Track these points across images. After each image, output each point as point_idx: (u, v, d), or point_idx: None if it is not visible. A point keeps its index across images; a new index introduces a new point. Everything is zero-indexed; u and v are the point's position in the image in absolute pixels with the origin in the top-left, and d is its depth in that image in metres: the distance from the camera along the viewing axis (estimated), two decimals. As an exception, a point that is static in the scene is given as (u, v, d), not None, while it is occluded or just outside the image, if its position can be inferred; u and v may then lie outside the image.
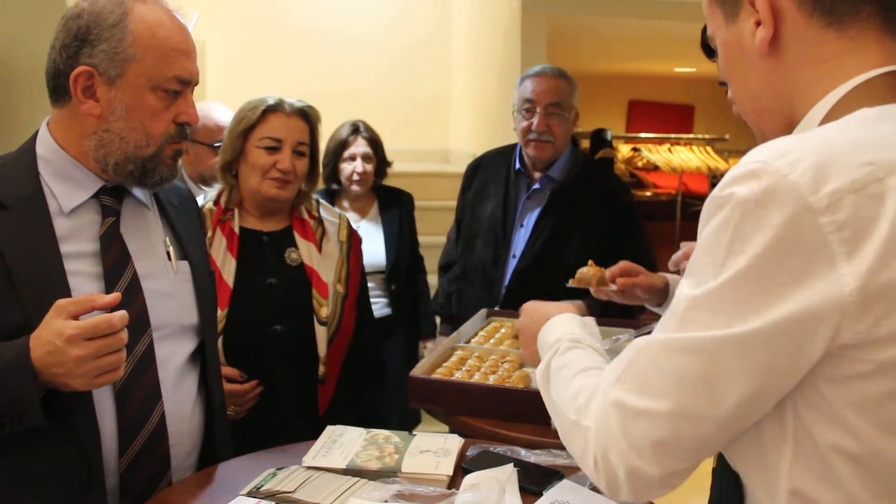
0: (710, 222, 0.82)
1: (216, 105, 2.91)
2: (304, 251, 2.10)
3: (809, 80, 0.89)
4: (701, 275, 0.82)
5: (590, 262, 1.92)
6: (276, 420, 2.00)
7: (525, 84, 2.59)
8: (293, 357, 2.04)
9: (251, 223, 2.12)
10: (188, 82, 1.43)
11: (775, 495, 0.84)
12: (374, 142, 3.21)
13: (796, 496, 0.82)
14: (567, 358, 1.11)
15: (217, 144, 2.51)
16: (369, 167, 3.16)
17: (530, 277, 2.51)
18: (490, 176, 2.73)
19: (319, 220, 2.17)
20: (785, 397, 0.81)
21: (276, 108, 2.07)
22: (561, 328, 1.24)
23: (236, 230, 2.08)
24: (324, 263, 2.11)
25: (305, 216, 2.15)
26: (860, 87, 0.86)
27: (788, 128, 0.93)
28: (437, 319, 3.20)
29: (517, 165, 2.66)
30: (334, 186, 3.26)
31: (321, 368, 2.05)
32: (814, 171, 0.76)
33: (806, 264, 0.75)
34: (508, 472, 1.43)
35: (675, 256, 1.81)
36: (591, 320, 1.31)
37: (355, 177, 3.14)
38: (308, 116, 2.12)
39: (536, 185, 2.61)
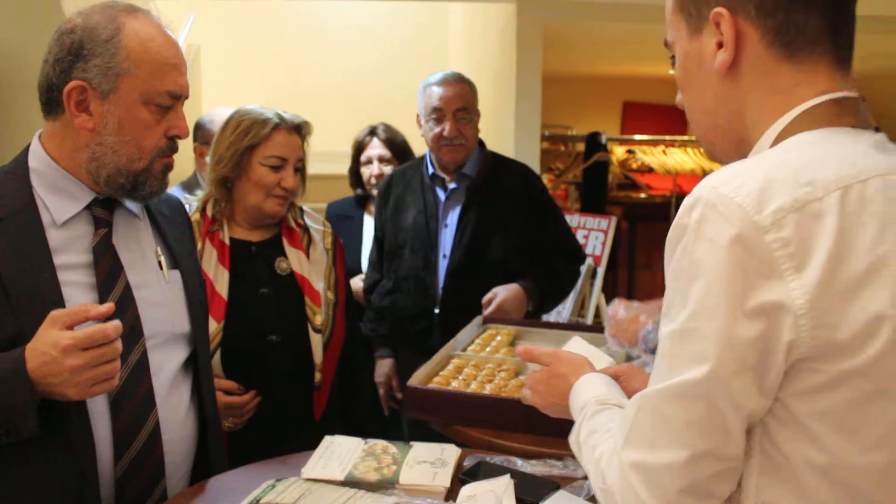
0: (674, 254, 0.87)
1: (230, 111, 2.94)
2: (294, 259, 2.10)
3: (762, 107, 0.95)
4: (674, 308, 0.87)
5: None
6: (275, 429, 2.01)
7: (430, 91, 2.65)
8: (289, 366, 2.05)
9: (239, 234, 2.11)
10: (179, 96, 1.45)
11: None
12: (393, 142, 3.17)
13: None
14: (594, 423, 1.11)
15: None
16: (388, 169, 3.12)
17: (464, 273, 2.59)
18: (405, 188, 2.78)
19: (305, 228, 2.18)
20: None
21: (280, 126, 2.06)
22: (587, 392, 1.25)
23: (226, 241, 2.07)
24: (313, 271, 2.12)
25: (292, 224, 2.16)
26: (804, 114, 0.92)
27: (737, 144, 0.99)
28: None
29: (430, 171, 2.73)
30: (360, 192, 3.24)
31: (317, 375, 2.06)
32: (757, 193, 0.81)
33: (758, 279, 0.80)
34: (505, 483, 1.44)
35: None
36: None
37: (373, 180, 3.12)
38: (302, 131, 2.12)
39: (453, 185, 2.68)
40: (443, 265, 2.64)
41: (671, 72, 1.07)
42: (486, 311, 2.46)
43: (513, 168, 2.80)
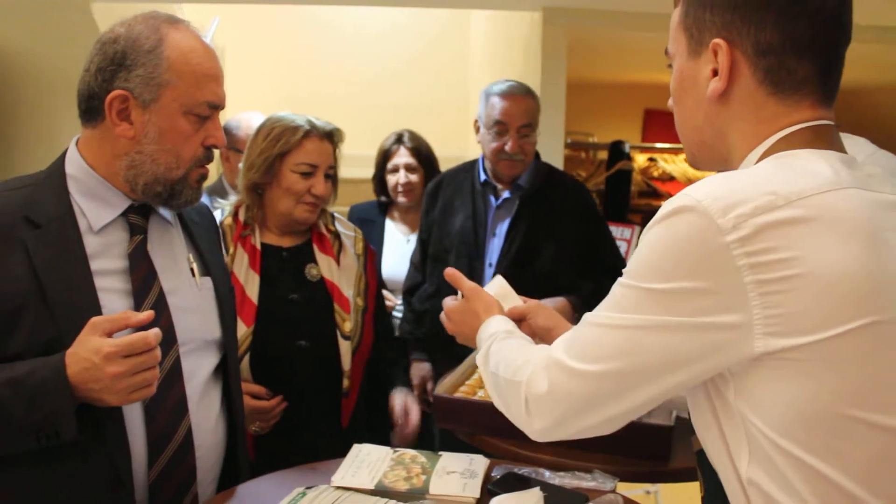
0: (645, 236, 0.98)
1: (256, 115, 2.97)
2: (324, 266, 2.11)
3: (745, 133, 1.02)
4: (634, 274, 0.98)
5: None
6: (302, 435, 2.02)
7: (493, 102, 2.59)
8: (317, 372, 2.05)
9: (271, 239, 2.12)
10: (217, 107, 1.47)
11: (737, 485, 0.96)
12: (419, 151, 3.14)
13: (752, 485, 0.94)
14: (507, 343, 1.29)
15: None
16: (413, 177, 3.11)
17: (510, 284, 2.52)
18: (454, 192, 2.74)
19: (336, 234, 2.18)
20: (734, 401, 0.94)
21: (311, 133, 2.06)
22: (496, 325, 1.41)
23: (258, 246, 2.08)
24: (343, 277, 2.12)
25: (323, 230, 2.16)
26: (782, 139, 0.99)
27: (720, 161, 1.08)
28: None
29: (482, 177, 2.68)
30: (383, 199, 3.23)
31: (345, 382, 2.06)
32: (724, 200, 0.90)
33: (715, 276, 0.89)
34: (536, 495, 1.45)
35: None
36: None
37: (399, 188, 3.10)
38: (334, 138, 2.12)
39: (506, 195, 2.64)
40: (488, 273, 2.60)
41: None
42: None
43: (567, 183, 2.75)
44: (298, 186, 2.05)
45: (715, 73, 1.02)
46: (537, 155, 2.73)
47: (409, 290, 2.85)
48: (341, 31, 6.32)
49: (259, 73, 5.87)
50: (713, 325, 0.91)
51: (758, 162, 0.99)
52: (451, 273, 1.61)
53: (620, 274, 1.02)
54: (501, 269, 2.56)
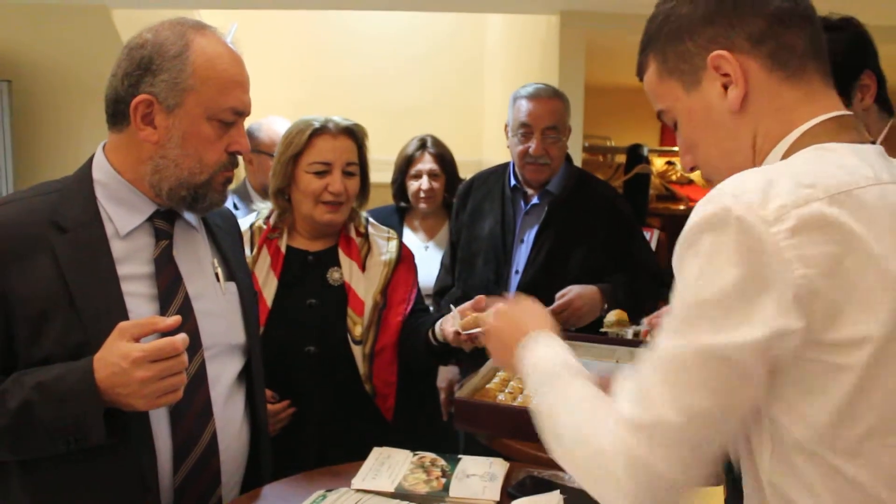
0: (691, 253, 0.91)
1: (279, 119, 2.98)
2: (346, 269, 2.08)
3: (769, 126, 1.01)
4: (689, 297, 0.90)
5: (616, 312, 1.89)
6: (309, 441, 2.00)
7: (520, 105, 2.56)
8: (329, 378, 2.03)
9: (300, 243, 2.12)
10: (242, 113, 1.47)
11: (760, 485, 0.94)
12: (443, 157, 3.12)
13: (772, 486, 0.92)
14: (573, 389, 1.07)
15: None
16: (436, 184, 3.08)
17: (535, 292, 2.41)
18: (484, 195, 2.72)
19: (366, 237, 2.15)
20: (764, 403, 0.90)
21: (322, 131, 2.05)
22: (546, 354, 1.17)
23: (283, 249, 2.08)
24: (364, 280, 2.09)
25: (353, 234, 2.14)
26: (807, 132, 0.98)
27: None
28: None
29: (512, 182, 2.66)
30: (402, 204, 3.20)
31: (367, 386, 2.03)
32: (761, 192, 0.87)
33: (770, 269, 0.85)
34: (556, 498, 1.45)
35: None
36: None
37: (421, 194, 3.08)
38: (355, 134, 2.10)
39: (535, 200, 2.61)
40: (514, 280, 2.58)
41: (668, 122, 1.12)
42: (556, 304, 2.38)
43: (599, 190, 2.70)
44: (314, 186, 2.03)
45: (724, 87, 1.02)
46: (569, 159, 2.69)
47: (440, 293, 2.84)
48: (357, 35, 6.33)
49: (274, 78, 5.90)
50: (778, 333, 0.85)
51: (784, 157, 0.98)
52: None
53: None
54: (528, 277, 2.54)
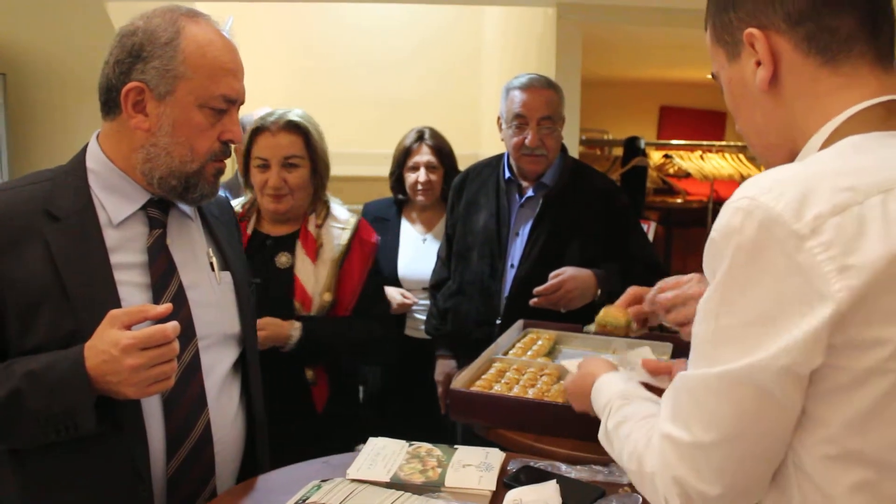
0: (720, 266, 0.88)
1: (265, 110, 2.97)
2: (299, 258, 2.20)
3: (807, 114, 0.96)
4: (717, 313, 0.88)
5: (605, 308, 1.87)
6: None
7: (513, 96, 2.53)
8: (275, 357, 2.08)
9: (266, 228, 2.28)
10: (234, 101, 1.46)
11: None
12: (440, 150, 3.11)
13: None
14: (620, 414, 1.17)
15: None
16: (434, 177, 3.07)
17: (530, 286, 2.44)
18: (479, 188, 2.69)
19: (324, 230, 2.26)
20: None
21: (260, 130, 2.22)
22: (609, 389, 1.31)
23: (248, 231, 2.23)
24: (313, 274, 2.18)
25: (311, 225, 2.25)
26: (852, 118, 0.92)
27: (792, 158, 0.99)
28: None
29: (506, 174, 2.63)
30: (400, 197, 3.19)
31: (309, 373, 2.15)
32: (796, 201, 0.82)
33: (805, 286, 0.81)
34: (552, 489, 1.44)
35: (650, 294, 1.79)
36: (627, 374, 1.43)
37: (419, 187, 3.06)
38: (299, 127, 2.21)
39: (530, 193, 2.58)
40: (510, 274, 2.56)
41: (708, 75, 1.09)
42: (548, 283, 2.37)
43: (594, 181, 2.68)
44: (257, 179, 2.23)
45: (759, 64, 0.98)
46: (564, 150, 2.67)
47: (436, 286, 2.83)
48: (353, 27, 6.32)
49: (269, 70, 5.88)
50: (809, 350, 0.82)
51: (827, 143, 0.92)
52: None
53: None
54: (523, 272, 2.53)
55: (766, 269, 0.83)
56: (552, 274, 2.39)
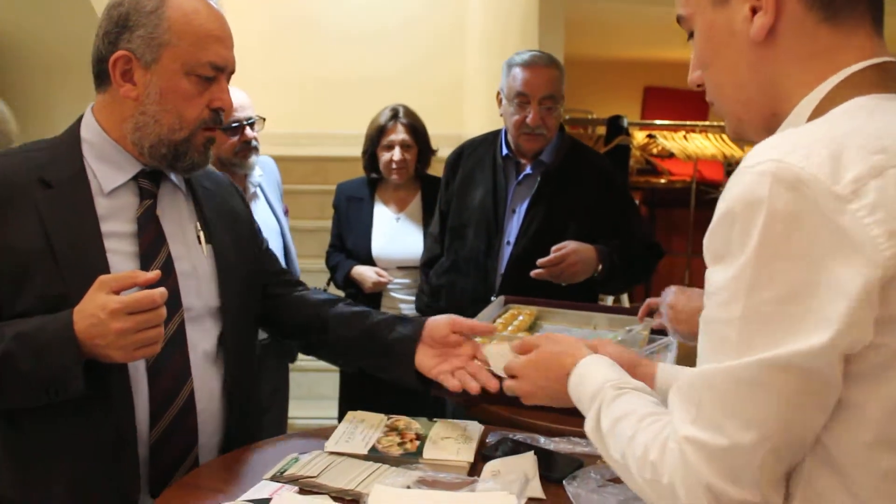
0: (745, 240, 0.79)
1: (235, 90, 2.94)
2: None
3: (799, 74, 0.90)
4: (748, 293, 0.79)
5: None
6: None
7: (515, 73, 2.50)
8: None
9: None
10: (222, 69, 1.47)
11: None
12: (415, 128, 3.09)
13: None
14: (617, 409, 1.03)
15: (234, 125, 2.57)
16: (408, 156, 3.05)
17: (526, 264, 2.44)
18: (475, 164, 2.68)
19: None
20: None
21: None
22: (595, 377, 1.15)
23: None
24: None
25: None
26: (847, 80, 0.87)
27: (768, 119, 0.94)
28: None
29: (504, 151, 2.61)
30: (374, 176, 3.16)
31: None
32: (829, 161, 0.76)
33: (852, 252, 0.74)
34: (530, 460, 1.45)
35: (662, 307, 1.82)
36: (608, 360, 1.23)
37: (393, 165, 3.04)
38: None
39: (528, 171, 2.58)
40: (506, 251, 2.56)
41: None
42: (551, 255, 2.36)
43: (592, 160, 2.67)
44: None
45: (754, 11, 0.90)
46: (562, 128, 2.66)
47: (428, 263, 2.81)
48: (338, 10, 6.28)
49: (248, 48, 5.84)
50: (856, 327, 0.76)
51: (819, 108, 0.87)
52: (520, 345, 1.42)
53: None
54: (520, 249, 2.53)
55: (805, 238, 0.75)
56: (555, 247, 2.39)
